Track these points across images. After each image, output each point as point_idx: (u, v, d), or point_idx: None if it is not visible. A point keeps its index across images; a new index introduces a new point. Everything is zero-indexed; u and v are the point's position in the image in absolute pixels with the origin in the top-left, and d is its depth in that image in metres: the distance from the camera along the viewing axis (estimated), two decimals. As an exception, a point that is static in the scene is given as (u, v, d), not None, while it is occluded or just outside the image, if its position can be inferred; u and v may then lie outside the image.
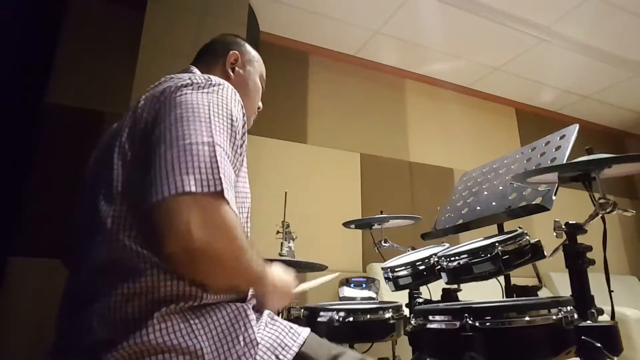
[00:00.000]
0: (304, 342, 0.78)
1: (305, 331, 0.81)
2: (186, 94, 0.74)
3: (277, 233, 2.14)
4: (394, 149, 3.45)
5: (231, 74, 1.03)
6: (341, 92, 3.41)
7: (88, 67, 2.36)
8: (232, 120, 0.76)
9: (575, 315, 0.92)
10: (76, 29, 2.39)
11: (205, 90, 0.76)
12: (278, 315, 0.82)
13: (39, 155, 2.16)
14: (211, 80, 0.79)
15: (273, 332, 0.77)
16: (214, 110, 0.74)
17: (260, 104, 1.13)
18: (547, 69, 3.58)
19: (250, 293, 0.82)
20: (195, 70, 0.97)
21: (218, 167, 0.67)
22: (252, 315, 0.74)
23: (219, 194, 0.65)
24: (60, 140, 2.21)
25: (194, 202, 0.64)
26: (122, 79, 2.12)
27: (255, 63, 1.10)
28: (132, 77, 1.97)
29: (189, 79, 0.78)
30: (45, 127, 2.21)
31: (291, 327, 0.80)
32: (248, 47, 1.10)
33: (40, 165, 2.15)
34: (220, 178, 0.66)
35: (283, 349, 0.74)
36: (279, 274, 0.89)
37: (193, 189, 0.63)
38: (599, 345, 0.86)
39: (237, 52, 1.05)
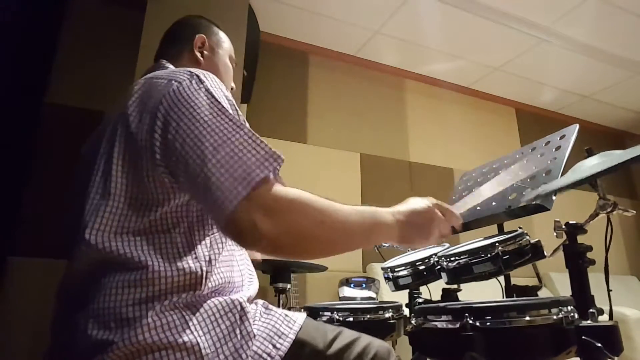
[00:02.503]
0: (300, 328, 0.78)
1: (301, 317, 0.80)
2: (186, 95, 0.72)
3: (277, 233, 2.14)
4: (394, 149, 3.45)
5: (200, 58, 1.00)
6: (341, 92, 3.40)
7: (88, 67, 2.36)
8: (234, 106, 0.75)
9: (576, 315, 0.92)
10: (76, 29, 2.39)
11: (197, 86, 0.74)
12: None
13: (39, 155, 2.16)
14: (195, 74, 0.77)
15: (268, 321, 0.76)
16: (218, 98, 0.73)
17: (233, 84, 1.10)
18: (547, 69, 3.58)
19: (244, 286, 0.82)
20: (169, 65, 0.94)
21: (265, 144, 0.70)
22: (248, 307, 0.74)
23: (265, 180, 0.66)
24: (60, 140, 2.21)
25: (251, 201, 0.64)
26: (122, 79, 2.12)
27: (224, 44, 1.06)
28: (132, 77, 1.97)
29: (175, 81, 0.75)
30: (45, 127, 2.21)
31: (286, 315, 0.80)
32: (214, 28, 1.07)
33: (40, 165, 2.15)
34: (274, 152, 0.69)
35: (280, 337, 0.74)
36: (405, 209, 0.85)
37: (262, 175, 0.65)
38: (599, 345, 0.86)
39: (203, 35, 1.02)
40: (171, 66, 0.94)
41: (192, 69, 0.79)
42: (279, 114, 3.08)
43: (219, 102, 0.72)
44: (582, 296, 0.97)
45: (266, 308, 0.81)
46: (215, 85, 0.76)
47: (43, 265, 1.98)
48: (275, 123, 3.02)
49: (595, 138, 4.41)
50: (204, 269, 0.72)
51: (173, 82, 0.75)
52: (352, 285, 2.55)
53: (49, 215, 2.04)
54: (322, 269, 1.99)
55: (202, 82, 0.75)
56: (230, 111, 0.72)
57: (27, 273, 1.97)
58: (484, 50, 3.37)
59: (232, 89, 1.09)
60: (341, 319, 1.43)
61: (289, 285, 1.92)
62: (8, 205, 2.04)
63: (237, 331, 0.70)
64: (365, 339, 0.82)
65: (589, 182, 1.02)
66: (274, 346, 0.72)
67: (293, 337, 0.75)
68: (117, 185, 0.72)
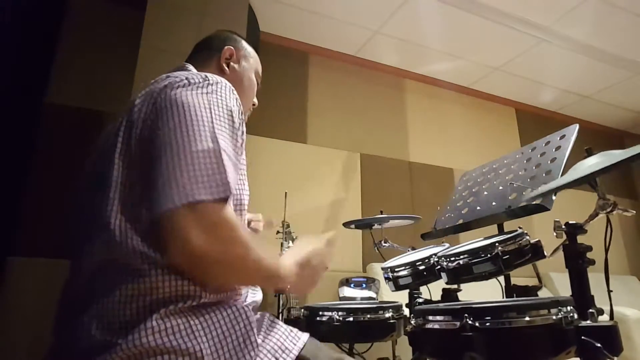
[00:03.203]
0: (304, 346, 0.78)
1: (305, 336, 0.81)
2: (185, 95, 0.74)
3: (277, 233, 2.14)
4: (394, 149, 3.45)
5: (226, 69, 1.02)
6: (341, 92, 3.41)
7: (88, 67, 2.36)
8: (232, 119, 0.76)
9: (575, 315, 0.92)
10: (76, 29, 2.39)
11: (205, 90, 0.76)
12: (278, 316, 0.82)
13: (39, 155, 2.16)
14: (208, 79, 0.78)
15: (274, 335, 0.77)
16: (215, 112, 0.73)
17: (255, 100, 1.12)
18: (547, 69, 3.58)
19: (249, 293, 0.82)
20: (191, 67, 0.96)
21: (226, 173, 0.67)
22: (253, 317, 0.74)
23: (223, 200, 0.66)
24: (60, 140, 2.21)
25: (195, 212, 0.64)
26: (122, 79, 2.12)
27: (251, 59, 1.09)
28: (132, 77, 1.97)
29: (186, 78, 0.78)
30: (45, 127, 2.21)
31: (291, 331, 0.80)
32: (244, 43, 1.10)
33: (40, 165, 2.15)
34: (227, 183, 0.66)
35: (283, 352, 0.74)
36: (302, 256, 0.85)
37: (193, 198, 0.64)
38: (598, 345, 0.86)
39: (232, 47, 1.04)
40: (193, 69, 0.96)
41: (210, 75, 0.80)
42: (279, 114, 3.08)
43: (213, 114, 0.72)
44: (582, 296, 0.97)
45: (272, 321, 0.81)
46: (222, 96, 0.77)
47: (43, 265, 1.98)
48: (275, 123, 3.02)
49: (595, 138, 4.41)
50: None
51: (184, 79, 0.77)
52: (352, 285, 2.55)
53: (49, 215, 2.04)
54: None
55: (211, 87, 0.76)
56: (220, 129, 0.72)
57: (27, 273, 1.97)
58: (484, 50, 3.37)
59: (254, 104, 1.12)
60: (341, 318, 1.43)
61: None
62: (8, 205, 2.04)
63: (241, 340, 0.70)
64: None
65: (589, 182, 1.02)
66: None
67: (296, 353, 0.76)
68: (124, 188, 0.72)
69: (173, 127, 0.70)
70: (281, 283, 0.79)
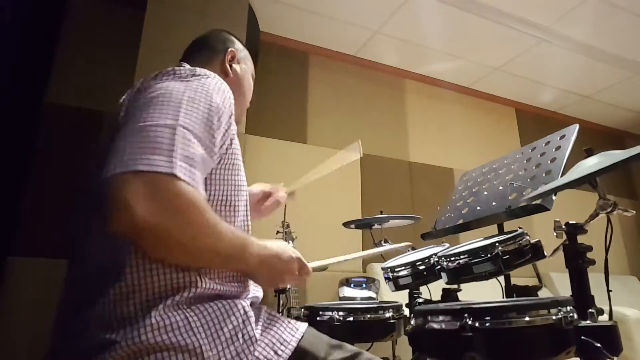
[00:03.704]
0: (302, 337, 0.78)
1: (303, 326, 0.81)
2: (166, 82, 0.75)
3: (277, 233, 2.14)
4: (394, 149, 3.45)
5: (229, 71, 1.02)
6: (341, 92, 3.40)
7: (88, 67, 2.36)
8: (210, 106, 0.74)
9: (575, 316, 0.92)
10: (76, 29, 2.39)
11: (186, 79, 0.76)
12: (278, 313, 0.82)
13: (38, 155, 2.16)
14: (195, 71, 0.79)
15: (272, 327, 0.77)
16: (189, 95, 0.72)
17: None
18: (547, 69, 3.58)
19: (251, 287, 0.82)
20: (186, 65, 0.95)
21: (174, 149, 0.65)
22: (251, 312, 0.74)
23: (171, 175, 0.63)
24: (60, 140, 2.21)
25: (142, 182, 0.62)
26: (122, 79, 2.12)
27: (248, 61, 1.10)
28: (132, 77, 1.97)
29: (172, 69, 0.79)
30: (45, 127, 2.21)
31: (289, 322, 0.80)
32: (240, 45, 1.10)
33: (40, 165, 2.15)
34: (172, 160, 0.64)
35: (282, 344, 0.74)
36: (273, 252, 0.81)
37: (141, 167, 0.62)
38: (598, 345, 0.86)
39: (233, 49, 1.05)
40: (187, 66, 0.95)
41: (200, 69, 0.81)
42: (279, 114, 3.08)
43: (188, 99, 0.72)
44: (582, 296, 0.97)
45: (270, 314, 0.81)
46: (208, 90, 0.76)
47: (43, 265, 1.98)
48: (275, 123, 3.02)
49: (595, 138, 4.41)
50: (204, 269, 0.72)
51: (170, 70, 0.78)
52: (352, 285, 2.55)
53: (49, 215, 2.04)
54: (322, 268, 1.99)
55: (198, 79, 0.76)
56: (191, 113, 0.70)
57: (27, 273, 1.97)
58: (484, 50, 3.37)
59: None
60: (341, 318, 1.43)
61: (288, 285, 1.92)
62: (8, 205, 2.04)
63: (240, 335, 0.70)
64: (366, 355, 0.82)
65: (589, 182, 1.02)
66: (276, 352, 0.73)
67: (295, 344, 0.76)
68: None
69: (138, 107, 0.71)
70: (242, 266, 0.76)
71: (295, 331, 0.78)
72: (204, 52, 1.04)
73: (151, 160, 0.62)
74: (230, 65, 1.03)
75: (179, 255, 0.67)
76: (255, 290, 0.85)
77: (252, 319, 0.73)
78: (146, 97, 0.72)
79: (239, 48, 1.08)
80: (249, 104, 1.12)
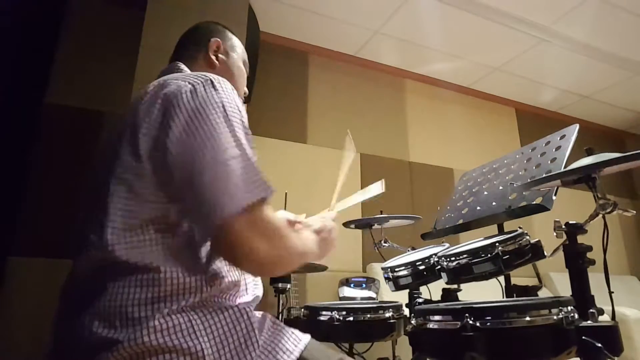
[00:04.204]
0: (305, 348, 0.78)
1: (306, 337, 0.81)
2: (196, 103, 0.73)
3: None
4: (394, 149, 3.45)
5: (215, 62, 1.01)
6: (341, 92, 3.40)
7: (88, 67, 2.36)
8: (242, 118, 0.76)
9: (576, 315, 0.92)
10: (76, 29, 2.39)
11: (213, 92, 0.75)
12: (278, 316, 0.83)
13: (38, 155, 2.16)
14: (211, 81, 0.78)
15: (275, 336, 0.77)
16: (230, 113, 0.74)
17: (246, 89, 1.11)
18: (547, 69, 3.58)
19: (250, 287, 0.83)
20: (184, 67, 0.95)
21: (257, 174, 0.71)
22: (255, 318, 0.74)
23: (264, 200, 0.69)
24: (60, 140, 2.21)
25: (249, 220, 0.67)
26: (122, 79, 2.12)
27: (237, 49, 1.08)
28: (132, 77, 1.97)
29: (189, 83, 0.76)
30: (45, 127, 2.21)
31: (293, 332, 0.80)
32: (229, 34, 1.08)
33: (40, 165, 2.15)
34: (263, 183, 0.70)
35: (284, 353, 0.74)
36: (318, 228, 0.94)
37: (244, 203, 0.66)
38: (599, 345, 0.86)
39: (218, 39, 1.03)
40: (186, 69, 0.95)
41: (207, 74, 0.80)
42: (279, 114, 3.08)
43: (228, 118, 0.73)
44: (582, 296, 0.97)
45: (274, 322, 0.81)
46: (228, 96, 0.77)
47: (43, 265, 1.98)
48: (275, 123, 3.02)
49: (595, 138, 4.42)
50: (212, 272, 0.72)
51: (187, 84, 0.76)
52: (352, 285, 2.55)
53: (49, 215, 2.04)
54: (322, 268, 1.99)
55: (216, 89, 0.76)
56: (238, 130, 0.73)
57: (27, 273, 1.97)
58: (484, 50, 3.37)
59: (245, 93, 1.11)
60: (341, 318, 1.43)
61: (289, 285, 1.92)
62: (8, 205, 2.04)
63: (242, 340, 0.70)
64: None
65: (585, 182, 1.02)
66: None
67: (297, 355, 0.76)
68: (131, 187, 0.72)
69: (195, 143, 0.69)
70: (315, 257, 0.90)
71: (298, 342, 0.79)
72: (189, 47, 1.03)
73: (249, 193, 0.68)
74: (216, 56, 1.02)
75: (280, 269, 0.75)
76: (255, 287, 0.85)
77: (256, 326, 0.73)
78: (197, 133, 0.70)
79: (225, 37, 1.06)
80: (245, 91, 1.11)
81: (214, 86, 0.76)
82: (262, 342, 0.74)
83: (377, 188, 1.31)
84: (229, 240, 0.66)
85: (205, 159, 0.67)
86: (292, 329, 0.82)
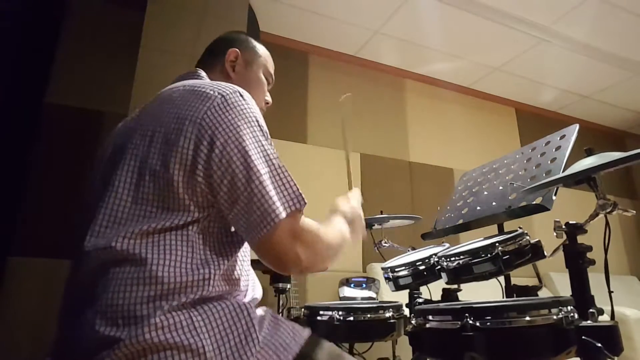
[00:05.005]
0: (305, 343, 0.78)
1: (307, 332, 0.82)
2: (224, 119, 0.75)
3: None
4: (394, 149, 3.45)
5: (231, 73, 1.01)
6: (341, 92, 3.39)
7: (88, 67, 2.36)
8: (266, 131, 0.81)
9: (576, 315, 0.92)
10: (76, 29, 2.39)
11: (247, 113, 0.78)
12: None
13: (38, 155, 2.16)
14: (242, 96, 0.80)
15: (275, 332, 0.77)
16: (255, 133, 0.77)
17: (268, 98, 1.12)
18: (547, 69, 3.58)
19: (249, 288, 0.83)
20: (203, 74, 0.96)
21: (290, 187, 0.77)
22: (255, 314, 0.74)
23: (298, 211, 0.75)
24: (60, 140, 2.21)
25: (287, 228, 0.73)
26: (122, 79, 2.12)
27: (260, 58, 1.07)
28: (132, 77, 1.97)
29: (218, 94, 0.78)
30: (45, 127, 2.21)
31: (293, 327, 0.81)
32: (251, 42, 1.08)
33: (40, 165, 2.15)
34: (297, 195, 0.76)
35: (285, 349, 0.75)
36: (348, 212, 1.00)
37: (283, 214, 0.72)
38: (599, 345, 0.86)
39: (237, 49, 1.03)
40: (205, 76, 0.96)
41: (233, 85, 0.82)
42: (279, 114, 3.08)
43: (262, 131, 0.79)
44: (582, 296, 0.97)
45: (274, 317, 0.81)
46: (257, 110, 0.81)
47: (43, 265, 1.97)
48: (275, 123, 3.02)
49: (595, 138, 4.41)
50: (213, 271, 0.72)
51: (217, 95, 0.78)
52: (352, 285, 2.55)
53: (49, 215, 2.04)
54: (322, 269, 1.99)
55: (247, 102, 0.79)
56: (268, 144, 0.79)
57: (27, 273, 1.97)
58: (484, 50, 3.37)
59: (267, 103, 1.13)
60: (341, 318, 1.43)
61: (289, 285, 1.92)
62: (8, 205, 2.04)
63: (243, 337, 0.70)
64: None
65: (587, 182, 1.02)
66: (278, 357, 0.73)
67: (297, 350, 0.76)
68: (143, 188, 0.73)
69: (232, 163, 0.73)
70: (351, 244, 0.95)
71: (298, 337, 0.79)
72: (210, 56, 1.05)
73: (286, 204, 0.74)
74: (233, 67, 1.02)
75: (322, 267, 0.82)
76: (254, 287, 0.85)
77: (256, 322, 0.73)
78: (234, 156, 0.74)
79: (246, 47, 1.06)
80: (268, 100, 1.12)
81: (244, 99, 0.79)
82: (263, 337, 0.74)
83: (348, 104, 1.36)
84: (273, 249, 0.73)
85: (253, 171, 0.73)
86: (293, 324, 0.82)
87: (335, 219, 0.94)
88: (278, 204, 0.72)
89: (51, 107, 2.24)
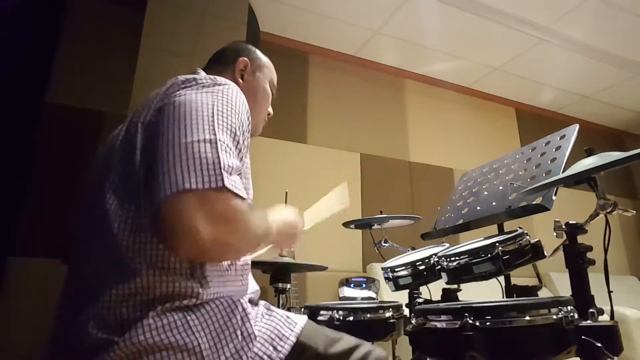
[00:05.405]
0: (302, 331, 0.78)
1: (303, 319, 0.81)
2: (190, 94, 0.74)
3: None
4: (394, 149, 3.45)
5: (240, 81, 1.03)
6: (341, 92, 3.40)
7: (88, 67, 2.36)
8: (235, 119, 0.75)
9: (576, 315, 0.92)
10: (76, 29, 2.39)
11: (210, 89, 0.76)
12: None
13: (38, 155, 2.16)
14: (216, 80, 0.79)
15: (270, 323, 0.77)
16: (217, 108, 0.73)
17: (270, 109, 1.13)
18: (547, 69, 3.58)
19: (249, 291, 0.83)
20: (201, 71, 0.97)
21: (220, 163, 0.66)
22: (249, 309, 0.74)
23: (221, 188, 0.65)
24: (60, 140, 2.21)
25: (197, 199, 0.64)
26: (122, 79, 2.12)
27: (265, 69, 1.09)
28: (132, 77, 1.97)
29: (194, 79, 0.78)
30: (45, 127, 2.21)
31: (288, 317, 0.80)
32: (258, 54, 1.10)
33: (39, 165, 2.15)
34: (221, 173, 0.66)
35: (281, 339, 0.74)
36: (281, 219, 0.95)
37: (194, 186, 0.63)
38: (599, 345, 0.86)
39: (246, 58, 1.04)
40: (203, 73, 0.96)
41: (219, 77, 0.81)
42: (279, 114, 3.07)
43: (217, 108, 0.73)
44: (582, 296, 0.97)
45: (268, 309, 0.81)
46: (231, 95, 0.77)
47: (43, 265, 1.98)
48: (275, 123, 3.01)
49: (595, 138, 4.41)
50: (208, 277, 0.72)
51: (202, 79, 0.78)
52: (352, 285, 2.55)
53: (49, 215, 2.04)
54: (322, 268, 1.99)
55: (217, 84, 0.78)
56: (222, 121, 0.72)
57: (27, 273, 1.97)
58: (484, 50, 3.37)
59: (269, 114, 1.14)
60: (341, 318, 1.43)
61: (288, 285, 1.92)
62: (8, 205, 2.04)
63: (238, 332, 0.70)
64: (366, 347, 0.82)
65: (587, 182, 1.02)
66: (275, 348, 0.73)
67: (294, 339, 0.76)
68: (126, 188, 0.73)
69: (170, 122, 0.70)
70: (267, 243, 0.91)
71: (294, 325, 0.78)
72: (218, 64, 1.05)
73: (203, 177, 0.65)
74: (242, 75, 1.03)
75: (230, 256, 0.76)
76: (253, 290, 0.85)
77: (251, 316, 0.73)
78: (175, 111, 0.71)
79: (254, 57, 1.07)
80: (270, 111, 1.13)
81: (216, 84, 0.78)
82: (258, 330, 0.74)
83: (341, 195, 1.35)
84: (168, 216, 0.64)
85: (167, 140, 0.68)
86: (287, 313, 0.81)
87: (263, 216, 0.85)
88: (192, 172, 0.64)
89: (51, 107, 2.24)
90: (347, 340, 0.82)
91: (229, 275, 0.78)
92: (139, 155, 0.73)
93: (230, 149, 0.70)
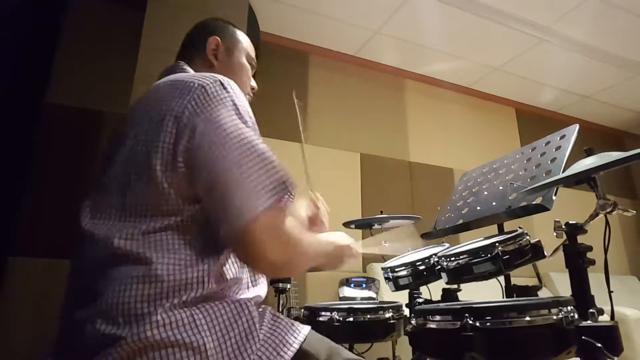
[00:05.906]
0: (305, 339, 0.79)
1: (306, 328, 0.82)
2: (210, 113, 0.74)
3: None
4: (394, 149, 3.45)
5: (214, 61, 1.01)
6: (341, 92, 3.40)
7: (88, 67, 2.36)
8: (253, 121, 0.79)
9: (576, 315, 0.92)
10: (76, 29, 2.39)
11: (226, 103, 0.76)
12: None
13: (38, 155, 2.16)
14: (223, 85, 0.78)
15: (275, 329, 0.77)
16: (234, 120, 0.75)
17: (253, 83, 1.10)
18: (547, 69, 3.58)
19: (251, 286, 0.83)
20: (187, 67, 0.95)
21: (274, 178, 0.73)
22: (255, 312, 0.74)
23: (283, 198, 0.72)
24: (60, 140, 2.21)
25: (265, 225, 0.69)
26: (122, 79, 2.12)
27: (240, 44, 1.06)
28: (132, 77, 1.97)
29: (200, 85, 0.77)
30: (45, 127, 2.21)
31: (292, 324, 0.81)
32: (230, 29, 1.07)
33: (40, 165, 2.15)
34: (279, 185, 0.73)
35: (284, 345, 0.75)
36: (334, 242, 0.98)
37: (263, 205, 0.69)
38: (599, 345, 0.86)
39: (217, 37, 1.02)
40: (190, 69, 0.95)
41: (216, 75, 0.81)
42: (279, 114, 3.07)
43: (243, 117, 0.76)
44: (582, 296, 0.97)
45: (274, 315, 0.81)
46: (239, 97, 0.79)
47: (43, 265, 1.98)
48: (275, 123, 3.02)
49: (595, 138, 4.41)
50: (212, 268, 0.72)
51: (197, 86, 0.77)
52: (352, 285, 2.55)
53: (49, 215, 2.05)
54: (322, 269, 1.99)
55: (227, 91, 0.77)
56: (250, 130, 0.76)
57: (27, 273, 1.97)
58: (484, 50, 3.37)
59: (252, 88, 1.11)
60: (341, 318, 1.43)
61: (289, 285, 1.92)
62: (8, 205, 2.04)
63: (243, 335, 0.70)
64: None
65: (587, 182, 1.02)
66: (278, 354, 0.73)
67: (297, 347, 0.76)
68: (133, 185, 0.73)
69: (220, 155, 0.71)
70: (325, 263, 0.96)
71: (298, 333, 0.79)
72: (190, 47, 1.03)
73: (264, 200, 0.70)
74: (215, 55, 1.01)
75: (288, 273, 0.89)
76: (257, 288, 0.85)
77: (257, 319, 0.74)
78: (205, 134, 0.72)
79: (225, 34, 1.05)
80: (254, 85, 1.10)
81: (224, 87, 0.78)
82: (263, 335, 0.74)
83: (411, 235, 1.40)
84: (244, 239, 0.69)
85: (230, 162, 0.71)
86: (292, 321, 0.82)
87: (323, 239, 0.96)
88: (260, 193, 0.69)
89: (51, 107, 2.24)
90: (347, 355, 0.83)
91: (241, 274, 0.80)
92: (165, 158, 0.72)
93: (270, 153, 0.77)
